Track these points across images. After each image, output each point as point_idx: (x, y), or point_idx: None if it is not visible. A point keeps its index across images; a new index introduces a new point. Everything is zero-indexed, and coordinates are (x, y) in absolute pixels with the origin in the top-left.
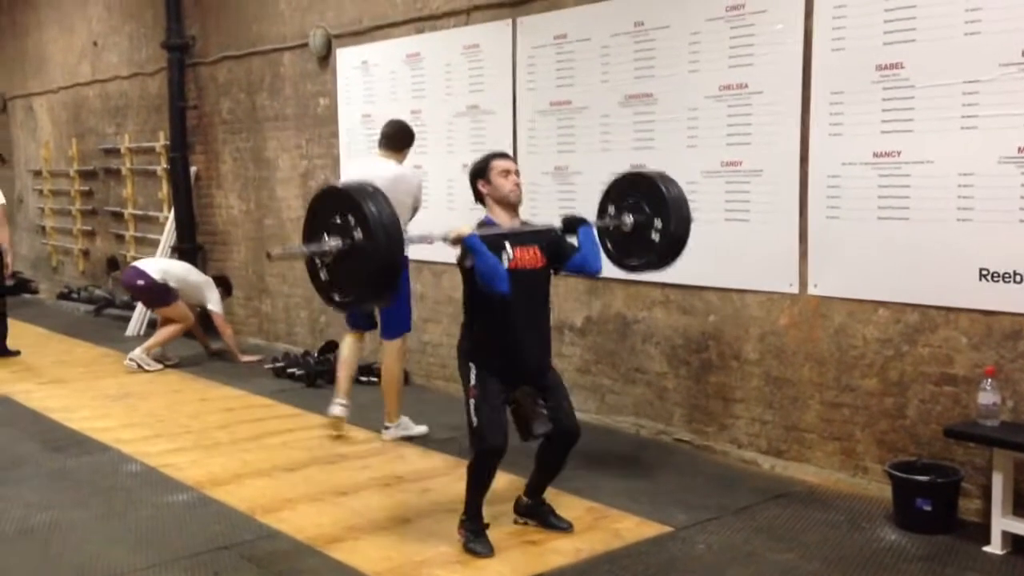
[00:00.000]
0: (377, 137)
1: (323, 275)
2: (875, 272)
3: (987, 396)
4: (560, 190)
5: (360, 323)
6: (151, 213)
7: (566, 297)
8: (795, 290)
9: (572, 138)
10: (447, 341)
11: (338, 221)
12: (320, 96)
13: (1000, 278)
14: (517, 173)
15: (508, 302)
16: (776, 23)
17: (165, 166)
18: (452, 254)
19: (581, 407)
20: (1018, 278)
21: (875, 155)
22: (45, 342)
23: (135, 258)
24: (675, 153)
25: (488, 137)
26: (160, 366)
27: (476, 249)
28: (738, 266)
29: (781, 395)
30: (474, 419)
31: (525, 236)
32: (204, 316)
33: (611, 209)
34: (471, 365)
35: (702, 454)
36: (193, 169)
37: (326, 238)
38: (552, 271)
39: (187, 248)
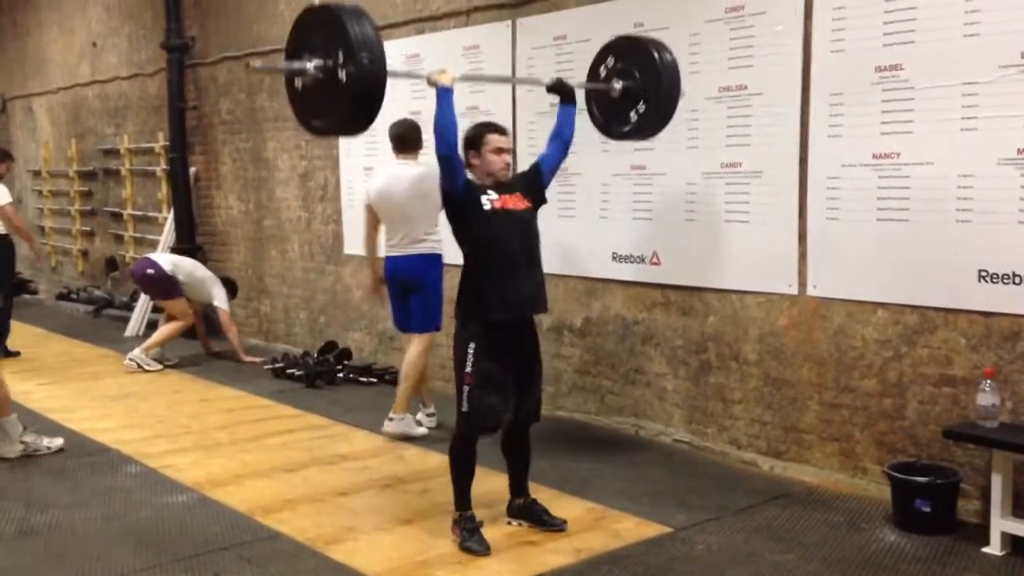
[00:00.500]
0: (373, 139)
1: (298, 85)
2: (874, 273)
3: (986, 397)
4: (560, 190)
5: (406, 324)
6: (150, 214)
7: (566, 298)
8: (794, 291)
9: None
10: (447, 341)
11: (322, 42)
12: None
13: (999, 279)
14: (510, 151)
15: (500, 243)
16: (776, 25)
17: (164, 167)
18: (452, 255)
19: (581, 408)
20: (1017, 279)
21: (875, 156)
22: (45, 342)
23: (134, 259)
24: (675, 154)
25: None
26: (160, 366)
27: (442, 100)
28: (737, 267)
29: (780, 396)
30: (464, 404)
31: (507, 186)
32: (208, 317)
33: (603, 71)
34: (470, 347)
35: (701, 455)
36: (192, 170)
37: (308, 58)
38: (542, 201)
39: (186, 249)
